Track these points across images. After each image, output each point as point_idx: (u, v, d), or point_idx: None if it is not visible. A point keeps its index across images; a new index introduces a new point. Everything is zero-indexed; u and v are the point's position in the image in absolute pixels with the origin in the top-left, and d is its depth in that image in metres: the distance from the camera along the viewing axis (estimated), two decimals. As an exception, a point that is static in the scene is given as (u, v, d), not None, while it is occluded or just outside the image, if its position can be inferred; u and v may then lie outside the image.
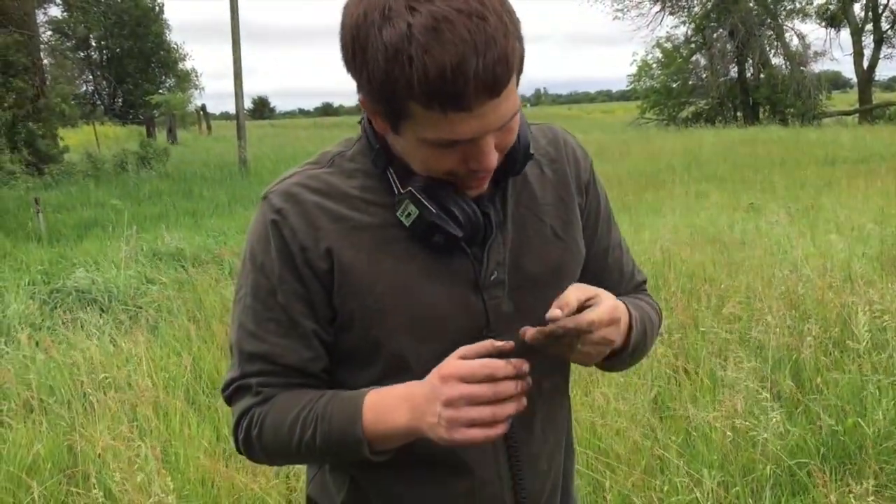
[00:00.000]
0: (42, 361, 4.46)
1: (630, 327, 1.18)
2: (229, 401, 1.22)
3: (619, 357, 1.21)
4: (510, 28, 0.95)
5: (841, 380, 3.63)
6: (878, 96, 37.58)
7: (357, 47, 0.98)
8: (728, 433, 3.12)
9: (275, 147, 24.97)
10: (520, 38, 0.98)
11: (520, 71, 1.01)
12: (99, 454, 3.45)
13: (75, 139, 23.28)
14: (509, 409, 1.03)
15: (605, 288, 1.26)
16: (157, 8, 47.99)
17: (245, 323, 1.17)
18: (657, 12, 35.83)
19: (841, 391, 3.58)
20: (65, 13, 42.42)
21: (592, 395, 3.73)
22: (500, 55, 0.93)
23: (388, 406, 1.08)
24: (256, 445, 1.18)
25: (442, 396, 1.02)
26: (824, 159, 14.85)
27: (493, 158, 1.05)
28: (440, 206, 1.09)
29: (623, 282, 1.36)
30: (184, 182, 14.85)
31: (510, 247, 1.19)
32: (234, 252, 7.53)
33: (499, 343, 1.05)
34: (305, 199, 1.14)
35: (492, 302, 1.17)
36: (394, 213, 1.12)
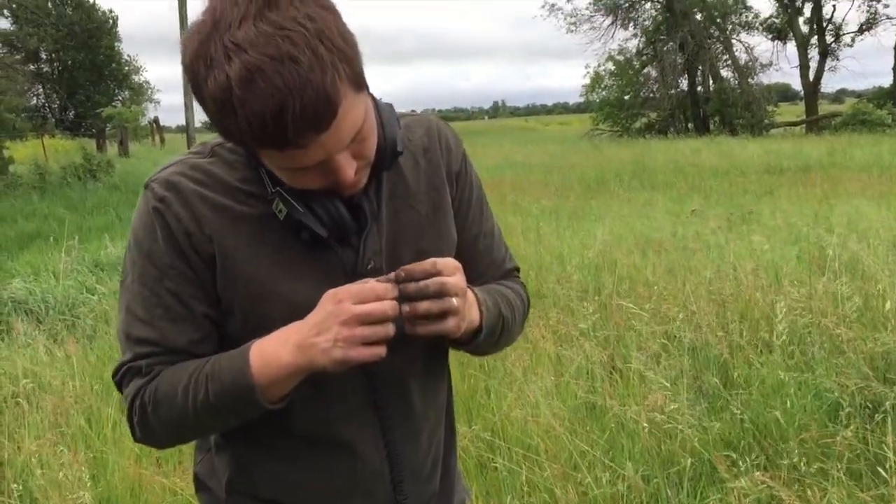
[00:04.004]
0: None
1: (480, 312, 1.22)
2: (120, 385, 1.23)
3: (476, 340, 1.24)
4: (329, 59, 0.96)
5: (764, 376, 3.73)
6: (825, 108, 38.55)
7: (195, 92, 1.03)
8: (645, 425, 3.19)
9: (228, 159, 24.68)
10: (348, 59, 1.00)
11: (358, 84, 1.04)
12: (25, 462, 3.41)
13: (23, 152, 22.83)
14: (390, 328, 1.07)
15: (475, 274, 1.33)
16: (110, 21, 47.42)
17: (133, 309, 1.19)
18: (609, 26, 36.43)
19: (763, 387, 3.69)
20: (14, 25, 41.72)
21: (526, 394, 3.78)
22: (319, 94, 0.95)
23: (271, 347, 1.11)
24: (154, 423, 1.18)
25: (340, 317, 1.05)
26: (767, 168, 15.20)
27: (349, 172, 1.08)
28: (306, 206, 1.14)
29: (493, 268, 1.40)
30: (132, 194, 14.64)
31: (386, 236, 1.24)
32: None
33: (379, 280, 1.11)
34: (186, 187, 1.17)
35: None
36: (271, 205, 1.16)
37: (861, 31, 34.62)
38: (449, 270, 1.12)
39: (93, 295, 6.19)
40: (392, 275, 1.11)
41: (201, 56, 0.99)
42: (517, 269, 1.47)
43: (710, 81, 35.27)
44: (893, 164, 14.33)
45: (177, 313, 1.18)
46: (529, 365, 4.15)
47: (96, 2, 46.24)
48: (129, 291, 1.21)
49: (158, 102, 54.39)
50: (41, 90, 48.42)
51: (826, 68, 34.85)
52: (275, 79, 0.94)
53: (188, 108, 14.83)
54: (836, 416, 3.44)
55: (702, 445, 3.20)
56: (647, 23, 36.74)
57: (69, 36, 44.62)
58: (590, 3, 36.80)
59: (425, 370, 1.34)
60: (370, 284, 1.08)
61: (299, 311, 1.14)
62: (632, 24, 36.74)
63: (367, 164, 1.14)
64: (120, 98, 46.55)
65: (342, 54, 0.99)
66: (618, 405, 3.53)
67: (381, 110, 1.18)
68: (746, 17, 36.34)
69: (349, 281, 1.17)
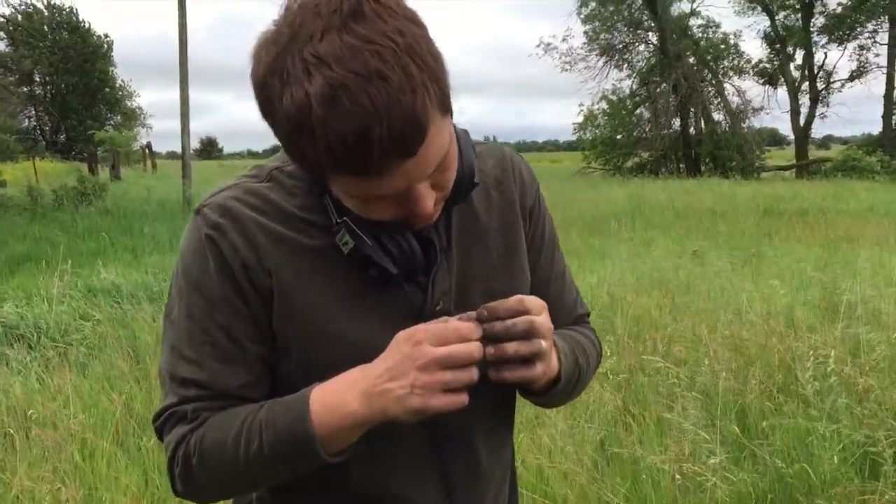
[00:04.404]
0: (-40, 399, 4.20)
1: (559, 360, 1.12)
2: (161, 431, 1.10)
3: (553, 390, 1.14)
4: (419, 78, 0.87)
5: (787, 425, 3.61)
6: (813, 153, 38.91)
7: (265, 110, 0.93)
8: (677, 477, 3.06)
9: (221, 186, 24.62)
10: (437, 80, 0.90)
11: (445, 107, 0.94)
12: (15, 500, 3.24)
13: (13, 174, 22.70)
14: (475, 373, 0.97)
15: None
16: (105, 45, 47.59)
17: (179, 346, 1.08)
18: (603, 65, 36.81)
19: (786, 436, 3.57)
20: (9, 47, 41.80)
21: (539, 437, 3.65)
22: (408, 116, 0.85)
23: (336, 394, 0.99)
24: (199, 474, 1.05)
25: (417, 362, 0.94)
26: (764, 211, 15.22)
27: (429, 203, 0.98)
28: (376, 239, 1.03)
29: (564, 313, 1.30)
30: (124, 218, 14.50)
31: (455, 275, 1.13)
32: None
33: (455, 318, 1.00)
34: (243, 214, 1.06)
35: None
36: (335, 237, 1.05)
37: (852, 78, 35.11)
38: (536, 309, 1.02)
39: (87, 322, 6.01)
40: (473, 313, 1.00)
41: (276, 70, 0.88)
42: (586, 315, 1.36)
43: (703, 123, 35.60)
44: (891, 210, 14.37)
45: (227, 352, 1.06)
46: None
47: (92, 26, 46.45)
48: (175, 326, 1.09)
49: (150, 128, 54.45)
50: (33, 112, 48.41)
51: (817, 114, 35.25)
52: (361, 97, 0.84)
53: (184, 133, 14.72)
54: (862, 469, 3.33)
55: (730, 498, 3.07)
56: (640, 64, 37.16)
57: (64, 59, 44.70)
58: (584, 44, 37.25)
59: (493, 423, 1.22)
60: (453, 323, 0.97)
61: (360, 353, 1.03)
62: (626, 64, 37.16)
63: (444, 196, 1.03)
64: (112, 122, 46.56)
65: (432, 74, 0.89)
66: (639, 451, 3.40)
67: (458, 137, 1.08)
68: (738, 61, 36.81)
69: (416, 323, 1.06)
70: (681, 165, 35.24)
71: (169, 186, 22.74)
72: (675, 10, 35.99)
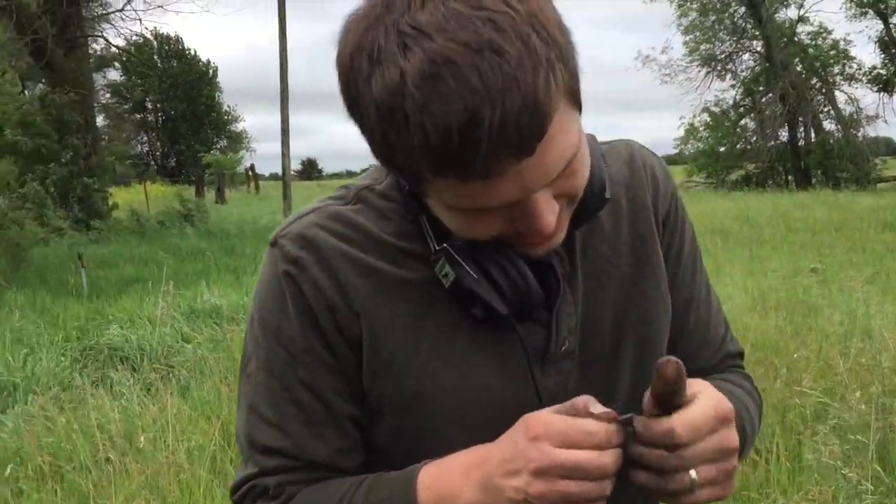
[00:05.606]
0: (63, 424, 4.22)
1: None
2: None
3: None
4: (543, 54, 0.66)
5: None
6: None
7: (349, 99, 0.73)
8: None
9: (320, 206, 25.06)
10: (566, 59, 0.69)
11: (574, 96, 0.73)
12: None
13: (126, 197, 23.69)
14: (607, 486, 0.74)
15: (682, 355, 0.98)
16: (210, 72, 49.53)
17: (258, 406, 0.90)
18: (704, 76, 35.73)
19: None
20: (123, 77, 44.06)
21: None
22: (527, 101, 0.65)
23: (451, 481, 0.80)
24: None
25: (531, 463, 0.74)
26: (885, 224, 14.27)
27: (549, 219, 0.76)
28: (482, 269, 0.82)
29: (709, 350, 1.04)
30: (227, 239, 14.83)
31: (581, 307, 0.90)
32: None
33: (597, 410, 0.76)
34: (326, 244, 0.87)
35: (558, 378, 0.89)
36: (434, 268, 0.85)
37: (975, 82, 32.92)
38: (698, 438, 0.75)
39: (188, 343, 6.04)
40: (612, 412, 0.76)
41: (364, 47, 0.68)
42: (739, 355, 1.09)
43: (812, 133, 34.05)
44: None
45: (314, 414, 0.88)
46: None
47: (197, 53, 48.54)
48: (252, 382, 0.90)
49: (254, 151, 56.33)
50: (146, 138, 50.83)
51: (938, 120, 33.22)
52: (469, 75, 0.64)
53: (285, 157, 15.01)
54: None
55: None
56: (744, 73, 35.87)
57: (173, 87, 46.77)
58: (684, 55, 36.25)
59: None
60: (586, 424, 0.74)
61: (467, 416, 0.84)
62: (729, 74, 35.93)
63: (571, 209, 0.81)
64: (218, 146, 48.37)
65: (559, 51, 0.67)
66: (774, 494, 3.06)
67: None
68: (849, 67, 35.06)
69: (538, 366, 0.87)
70: (789, 177, 33.77)
71: (270, 207, 23.27)
72: (782, 16, 34.63)
